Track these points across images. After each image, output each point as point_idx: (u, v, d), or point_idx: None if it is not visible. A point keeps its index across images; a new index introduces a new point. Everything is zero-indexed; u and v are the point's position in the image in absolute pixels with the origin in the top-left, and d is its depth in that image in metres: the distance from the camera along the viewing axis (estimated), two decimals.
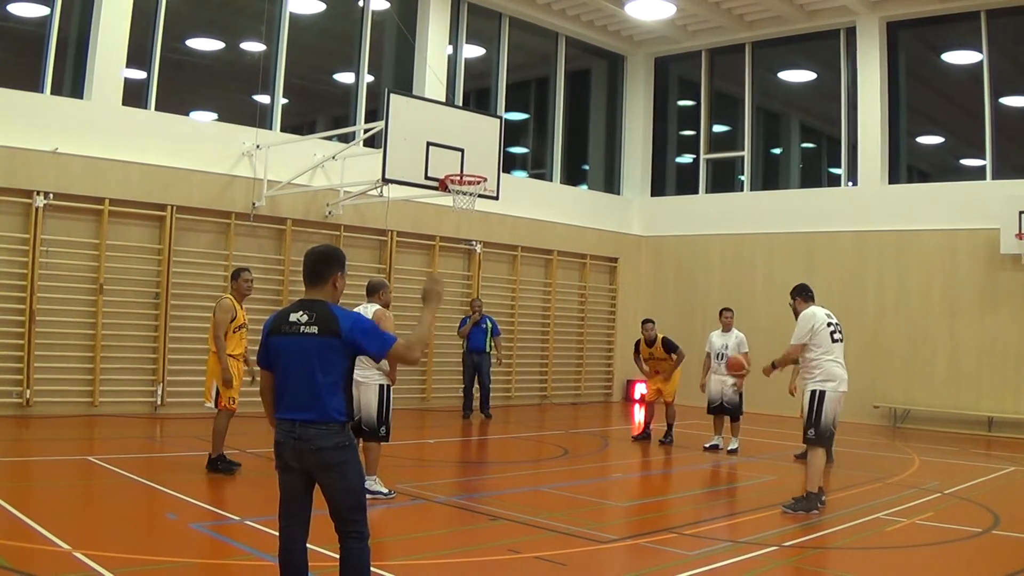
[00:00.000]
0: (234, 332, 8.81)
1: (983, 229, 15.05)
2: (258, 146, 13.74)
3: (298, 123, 15.92)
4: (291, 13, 14.82)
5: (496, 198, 13.36)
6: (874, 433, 14.49)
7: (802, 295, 8.67)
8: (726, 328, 12.11)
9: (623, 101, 20.18)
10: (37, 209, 11.80)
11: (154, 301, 12.83)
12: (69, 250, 12.15)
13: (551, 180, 18.80)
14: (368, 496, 4.50)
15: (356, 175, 13.73)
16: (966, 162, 16.98)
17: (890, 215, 16.23)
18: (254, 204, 13.67)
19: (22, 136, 11.75)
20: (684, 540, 6.97)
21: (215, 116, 14.76)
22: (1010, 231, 14.51)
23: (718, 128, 19.55)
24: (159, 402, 12.73)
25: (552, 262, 17.95)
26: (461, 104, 16.66)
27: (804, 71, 18.95)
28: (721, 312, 12.28)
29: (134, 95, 13.08)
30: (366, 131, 14.30)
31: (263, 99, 14.56)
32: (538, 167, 19.27)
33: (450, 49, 16.77)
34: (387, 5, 16.48)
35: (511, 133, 18.00)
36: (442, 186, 12.59)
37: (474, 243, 16.55)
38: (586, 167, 20.53)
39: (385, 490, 7.88)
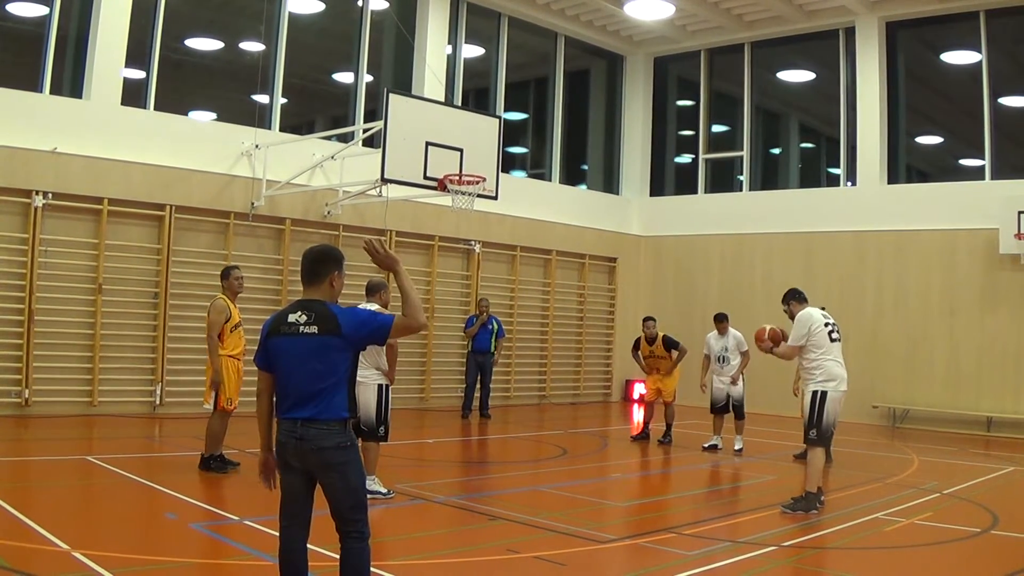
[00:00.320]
0: (231, 332, 8.79)
1: (982, 229, 15.06)
2: (257, 146, 13.73)
3: (297, 123, 15.91)
4: (290, 13, 14.81)
5: (495, 198, 13.36)
6: (873, 433, 14.49)
7: (796, 298, 8.70)
8: (721, 333, 12.12)
9: (622, 101, 20.18)
10: (36, 209, 11.79)
11: (153, 301, 12.82)
12: (68, 250, 12.14)
13: (550, 180, 18.81)
14: (367, 496, 4.50)
15: (355, 175, 13.73)
16: (965, 162, 16.98)
17: (889, 215, 16.23)
18: (253, 204, 13.67)
19: (21, 136, 11.74)
20: (683, 540, 6.98)
21: (214, 116, 14.76)
22: (1009, 231, 14.51)
23: (717, 128, 19.55)
24: (158, 402, 12.73)
25: (551, 262, 17.95)
26: (460, 104, 16.65)
27: (803, 71, 18.95)
28: (715, 319, 12.28)
29: (133, 95, 13.08)
30: (365, 131, 14.30)
31: (262, 99, 14.56)
32: (537, 167, 19.27)
33: (449, 49, 16.76)
34: (386, 5, 16.48)
35: (510, 133, 17.99)
36: (441, 186, 12.59)
37: (473, 243, 16.55)
38: (585, 167, 20.53)
39: (384, 490, 7.88)
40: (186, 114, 14.17)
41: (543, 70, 18.94)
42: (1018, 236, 14.40)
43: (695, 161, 19.54)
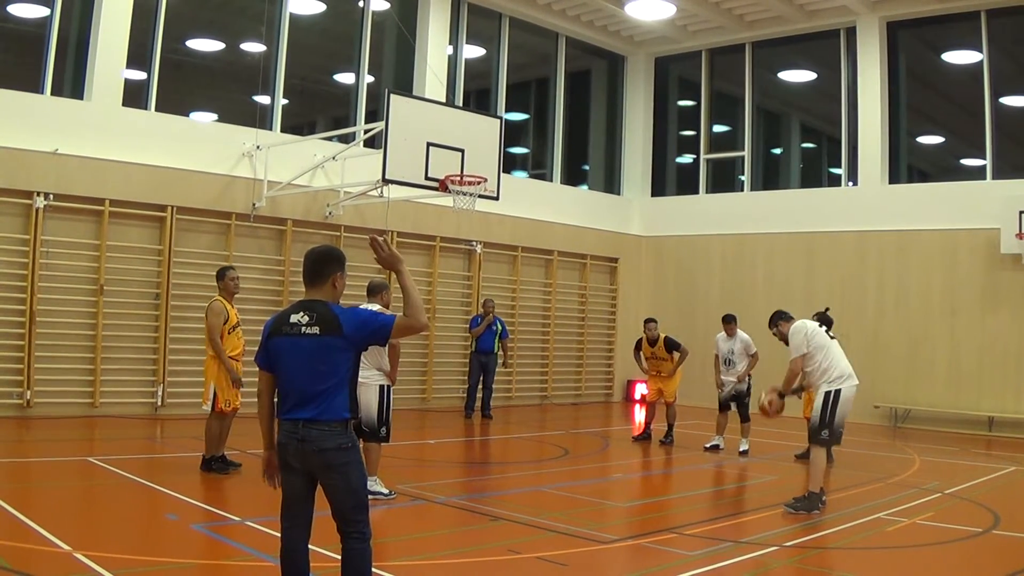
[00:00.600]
0: (229, 333, 8.77)
1: (983, 229, 15.05)
2: (258, 147, 13.74)
3: (298, 123, 15.92)
4: (291, 13, 14.82)
5: (496, 198, 13.36)
6: (874, 433, 14.48)
7: (782, 318, 8.89)
8: (730, 334, 12.08)
9: (623, 101, 20.18)
10: (37, 210, 11.80)
11: (154, 302, 12.83)
12: (69, 251, 12.15)
13: (551, 180, 18.81)
14: (368, 497, 4.50)
15: (356, 175, 13.74)
16: (966, 162, 16.98)
17: (890, 215, 16.22)
18: (254, 205, 13.67)
19: (22, 137, 11.75)
20: (685, 540, 6.97)
21: (215, 117, 14.76)
22: (1010, 231, 14.50)
23: (718, 128, 19.54)
24: (159, 403, 12.73)
25: (552, 262, 17.95)
26: (461, 104, 16.66)
27: (804, 71, 18.94)
28: (724, 320, 12.22)
29: (134, 96, 13.08)
30: (366, 131, 14.30)
31: (263, 100, 14.57)
32: (538, 167, 19.27)
33: (450, 49, 16.77)
34: (387, 5, 16.48)
35: (511, 133, 18.00)
36: (442, 186, 12.59)
37: (474, 243, 16.55)
38: (586, 167, 20.53)
39: (385, 491, 7.88)
40: (187, 115, 14.18)
41: (544, 70, 18.94)
42: (1019, 236, 14.38)
43: (696, 161, 19.54)
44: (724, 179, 19.38)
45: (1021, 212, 14.41)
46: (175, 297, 12.81)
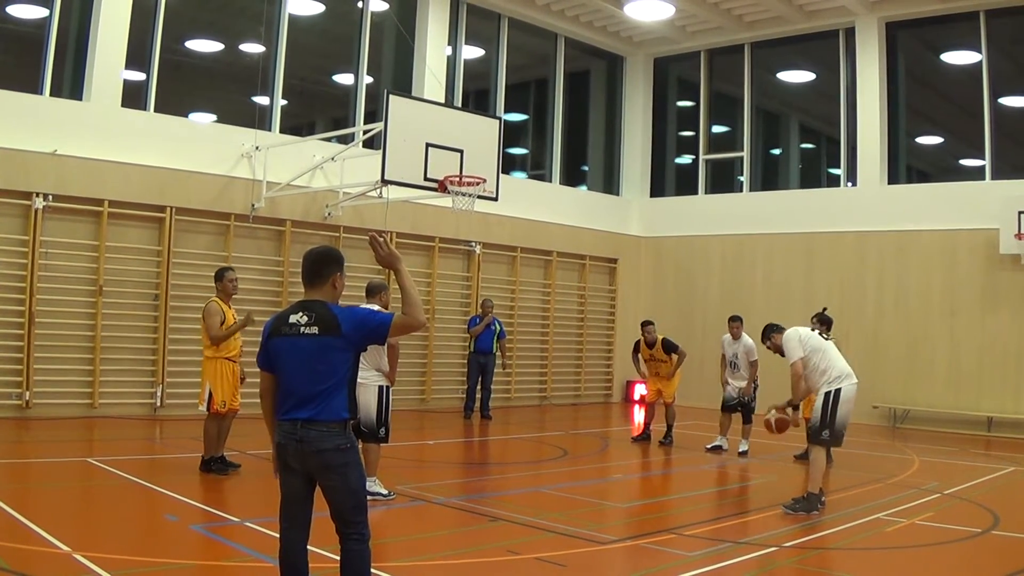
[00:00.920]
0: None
1: (983, 229, 15.05)
2: (257, 147, 13.74)
3: (297, 124, 15.91)
4: (290, 14, 14.82)
5: (495, 199, 13.36)
6: (874, 433, 14.48)
7: (775, 330, 8.94)
8: (735, 336, 12.04)
9: (622, 102, 20.18)
10: (36, 211, 11.80)
11: (153, 303, 12.83)
12: (68, 252, 12.15)
13: (550, 181, 18.81)
14: (367, 497, 4.49)
15: (355, 176, 13.73)
16: (965, 162, 16.98)
17: (890, 215, 16.23)
18: (253, 205, 13.67)
19: (21, 138, 11.75)
20: (684, 541, 6.97)
21: (214, 117, 14.75)
22: (1009, 231, 14.51)
23: (717, 129, 19.55)
24: (158, 404, 12.73)
25: (551, 263, 17.95)
26: (460, 105, 16.65)
27: (803, 71, 18.94)
28: (729, 321, 12.17)
29: (133, 96, 13.08)
30: (365, 132, 14.29)
31: (262, 100, 14.56)
32: (537, 168, 19.27)
33: (449, 50, 16.77)
34: (386, 6, 16.48)
35: (510, 134, 17.99)
36: (441, 187, 12.59)
37: (473, 244, 16.54)
38: (585, 168, 20.53)
39: (385, 491, 7.88)
40: (186, 116, 14.17)
41: (543, 71, 18.94)
42: (1018, 236, 14.39)
43: (695, 162, 19.54)
44: (723, 180, 19.38)
45: (1020, 212, 14.41)
46: (174, 298, 12.80)
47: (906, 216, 16.06)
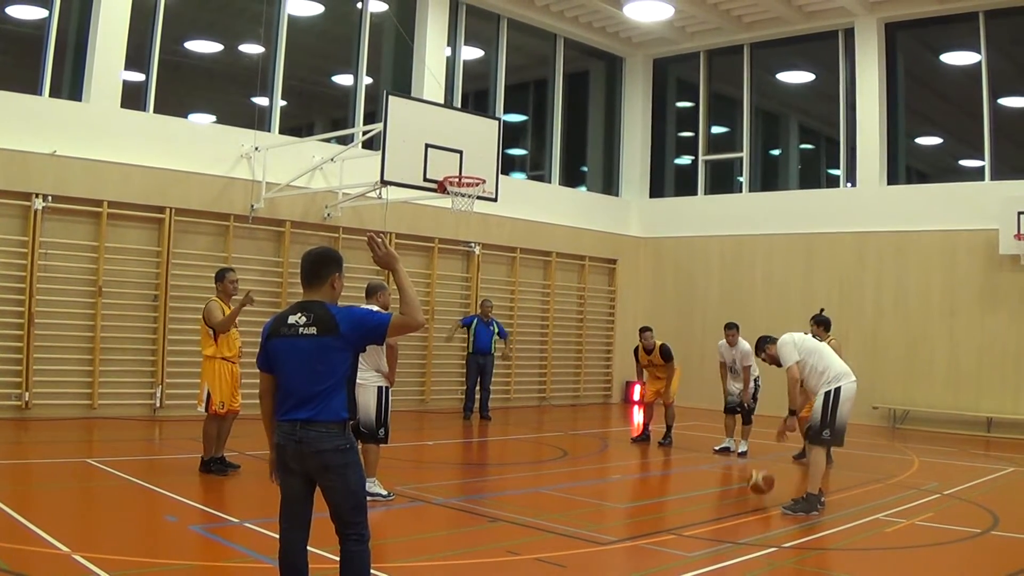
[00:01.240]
0: (223, 333, 8.75)
1: (982, 230, 15.06)
2: (257, 148, 13.74)
3: (297, 125, 15.91)
4: (290, 15, 14.82)
5: (495, 200, 13.36)
6: (873, 434, 14.48)
7: (769, 341, 8.96)
8: (731, 343, 12.04)
9: (622, 102, 20.18)
10: (36, 212, 11.80)
11: (153, 303, 12.82)
12: (68, 252, 12.15)
13: (550, 182, 18.81)
14: (367, 498, 4.49)
15: (355, 177, 13.73)
16: (965, 163, 16.99)
17: (889, 216, 16.23)
18: (253, 206, 13.67)
19: (21, 138, 11.75)
20: (683, 541, 6.97)
21: (214, 118, 14.76)
22: (1009, 231, 14.52)
23: (717, 129, 19.55)
24: (158, 404, 12.72)
25: (551, 264, 17.95)
26: (460, 106, 16.67)
27: (802, 72, 18.95)
28: (724, 328, 12.10)
29: (133, 97, 13.08)
30: (365, 133, 14.29)
31: (262, 101, 14.56)
32: (537, 169, 19.28)
33: (448, 51, 16.77)
34: (385, 7, 16.48)
35: (510, 135, 17.99)
36: (441, 188, 12.59)
37: (473, 245, 16.54)
38: (585, 169, 20.54)
39: (384, 492, 7.88)
40: (186, 116, 14.18)
41: (542, 72, 18.94)
42: (1018, 237, 14.40)
43: (695, 162, 19.55)
44: (723, 180, 19.38)
45: (1020, 213, 14.43)
46: (173, 299, 12.80)
47: (905, 217, 16.06)
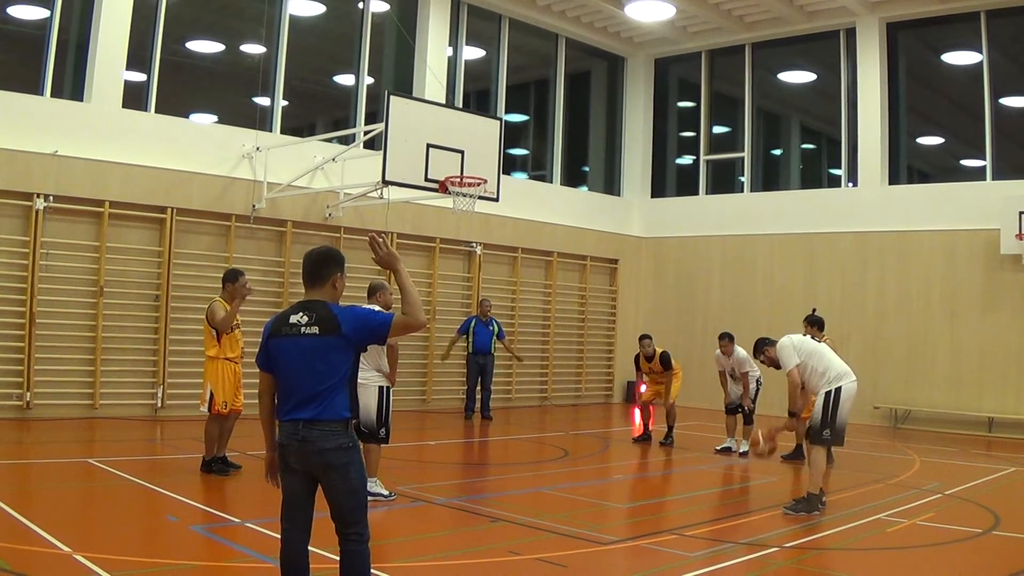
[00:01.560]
0: (228, 334, 8.75)
1: (983, 230, 15.05)
2: (258, 148, 13.74)
3: (298, 125, 15.92)
4: (291, 15, 14.83)
5: (496, 200, 13.35)
6: (874, 434, 14.48)
7: (767, 343, 8.98)
8: (725, 353, 12.02)
9: (623, 102, 20.18)
10: (37, 212, 11.81)
11: (154, 303, 12.83)
12: (69, 252, 12.15)
13: (551, 182, 18.81)
14: (368, 498, 4.50)
15: (356, 177, 13.74)
16: (966, 163, 16.98)
17: (890, 216, 16.23)
18: (254, 206, 13.67)
19: (22, 139, 11.75)
20: (685, 541, 6.96)
21: (215, 118, 14.77)
22: (1010, 231, 14.51)
23: (718, 129, 19.55)
24: (159, 404, 12.73)
25: (552, 264, 17.95)
26: (461, 106, 16.66)
27: (804, 72, 18.94)
28: (719, 339, 12.05)
29: (134, 97, 13.09)
30: (366, 133, 14.30)
31: (263, 101, 14.57)
32: (538, 169, 19.28)
33: (450, 51, 16.77)
34: (387, 7, 16.48)
35: (511, 135, 18.00)
36: (442, 188, 12.59)
37: (474, 245, 16.55)
38: (586, 169, 20.53)
39: (385, 492, 7.88)
40: (187, 117, 14.18)
41: (544, 72, 18.95)
42: (1019, 237, 14.39)
43: (696, 162, 19.54)
44: (724, 180, 19.38)
45: (1021, 213, 14.41)
46: (175, 299, 12.81)
47: (907, 216, 16.05)
